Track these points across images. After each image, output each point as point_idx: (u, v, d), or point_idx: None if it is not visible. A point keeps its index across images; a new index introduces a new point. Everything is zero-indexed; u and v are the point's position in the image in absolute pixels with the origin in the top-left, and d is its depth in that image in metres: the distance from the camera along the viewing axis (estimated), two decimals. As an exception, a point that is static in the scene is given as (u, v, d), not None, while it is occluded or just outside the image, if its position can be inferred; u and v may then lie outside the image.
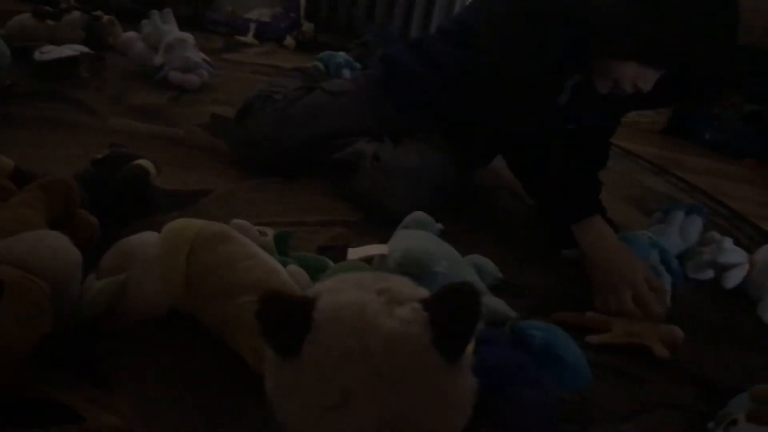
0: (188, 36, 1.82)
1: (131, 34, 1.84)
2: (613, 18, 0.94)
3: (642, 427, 0.79)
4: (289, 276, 0.76)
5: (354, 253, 0.81)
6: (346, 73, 1.98)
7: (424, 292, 0.46)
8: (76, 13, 1.82)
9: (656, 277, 1.06)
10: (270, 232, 0.90)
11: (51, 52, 1.60)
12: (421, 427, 0.41)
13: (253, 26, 2.71)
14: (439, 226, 0.89)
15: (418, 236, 0.83)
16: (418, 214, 0.88)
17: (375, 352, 0.41)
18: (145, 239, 0.77)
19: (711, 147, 2.43)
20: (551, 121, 1.18)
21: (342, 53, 2.12)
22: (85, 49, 1.68)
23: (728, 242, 1.21)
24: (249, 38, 2.67)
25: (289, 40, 2.71)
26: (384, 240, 0.88)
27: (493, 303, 0.75)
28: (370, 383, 0.41)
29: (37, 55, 1.58)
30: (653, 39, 0.92)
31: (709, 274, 1.22)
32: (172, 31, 1.81)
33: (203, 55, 1.86)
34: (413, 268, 0.74)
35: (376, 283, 0.46)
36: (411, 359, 0.41)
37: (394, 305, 0.43)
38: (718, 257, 1.20)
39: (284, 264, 0.80)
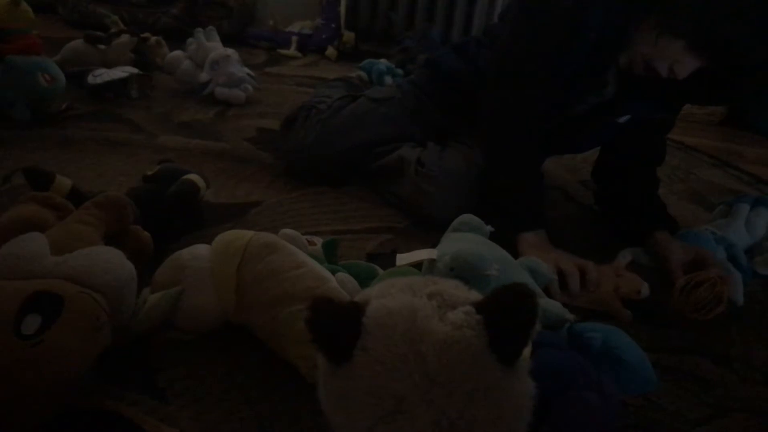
0: (232, 52, 1.85)
1: (177, 53, 1.89)
2: None
3: (714, 432, 0.75)
4: (339, 284, 0.76)
5: (403, 259, 0.80)
6: (388, 79, 1.98)
7: (476, 295, 0.44)
8: (125, 37, 1.87)
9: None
10: (318, 240, 0.90)
11: (103, 75, 1.66)
12: (478, 435, 0.40)
13: (295, 39, 2.75)
14: (489, 228, 0.87)
15: (467, 239, 0.81)
16: (467, 217, 0.86)
17: (428, 357, 0.40)
18: (197, 252, 0.78)
19: (775, 137, 2.31)
20: (601, 116, 1.14)
21: (383, 60, 2.12)
22: (134, 70, 1.74)
23: (798, 235, 1.15)
24: (291, 51, 2.70)
25: (330, 51, 2.73)
26: (432, 245, 0.86)
27: (548, 305, 0.72)
28: (424, 390, 0.39)
29: (90, 79, 1.64)
30: (714, 27, 0.87)
31: (779, 269, 1.15)
32: (216, 48, 1.85)
33: (247, 70, 1.89)
34: (464, 271, 0.72)
35: (426, 286, 0.44)
36: (465, 364, 0.40)
37: (446, 309, 0.42)
38: (788, 251, 1.14)
39: (333, 272, 0.79)
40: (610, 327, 0.69)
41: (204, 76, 1.80)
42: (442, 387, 0.40)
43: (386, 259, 0.94)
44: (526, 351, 0.59)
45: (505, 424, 0.41)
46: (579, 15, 0.99)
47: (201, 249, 0.79)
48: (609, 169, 1.27)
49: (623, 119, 1.15)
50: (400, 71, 2.09)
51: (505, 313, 0.41)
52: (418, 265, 0.82)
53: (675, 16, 0.90)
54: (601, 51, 1.01)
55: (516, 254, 0.94)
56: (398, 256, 0.81)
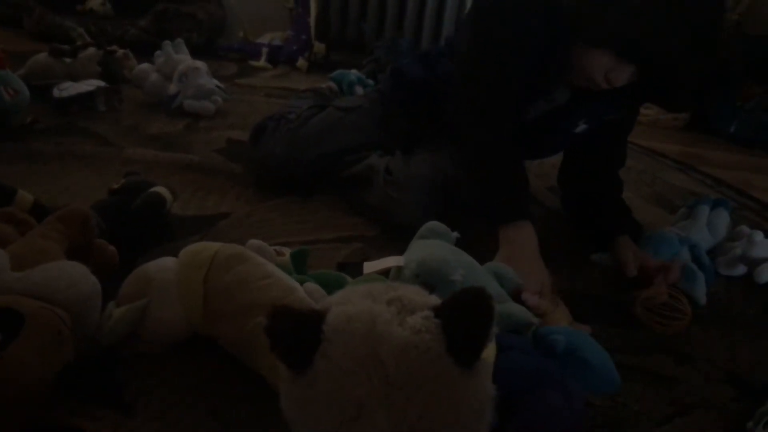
0: (201, 64, 1.85)
1: (145, 65, 1.88)
2: (587, 4, 0.94)
3: (678, 430, 0.76)
4: (307, 294, 0.76)
5: (370, 267, 0.80)
6: (359, 90, 1.99)
7: (435, 300, 0.45)
8: (91, 50, 1.85)
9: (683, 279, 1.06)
10: (287, 251, 0.90)
11: (69, 88, 1.64)
12: (438, 438, 0.40)
13: (265, 51, 2.74)
14: (455, 234, 0.88)
15: (433, 245, 0.82)
16: (433, 224, 0.87)
17: (387, 362, 0.40)
18: (163, 264, 0.78)
19: (736, 140, 2.37)
20: (556, 123, 1.16)
21: (354, 71, 2.13)
22: (101, 83, 1.72)
23: (759, 235, 1.18)
24: (262, 62, 2.70)
25: (301, 62, 2.73)
26: (402, 252, 0.87)
27: (514, 309, 0.73)
28: (384, 394, 0.40)
29: (55, 92, 1.62)
30: (624, 28, 0.91)
31: (741, 269, 1.18)
32: (184, 60, 1.84)
33: (216, 82, 1.88)
34: (429, 277, 0.72)
35: (386, 293, 0.45)
36: (424, 368, 0.40)
37: (406, 314, 0.43)
38: (750, 251, 1.17)
39: (302, 282, 0.79)
40: (573, 330, 0.70)
41: (173, 89, 1.79)
42: (401, 391, 0.40)
43: (356, 268, 0.94)
44: (491, 353, 0.60)
45: (464, 425, 0.42)
46: (522, 41, 1.03)
47: (167, 261, 0.79)
48: (572, 174, 1.29)
49: (580, 129, 1.17)
50: (370, 81, 2.10)
51: (462, 317, 0.41)
52: (386, 273, 0.82)
53: (598, 30, 0.94)
54: (545, 67, 1.05)
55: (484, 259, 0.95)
56: (365, 264, 0.81)
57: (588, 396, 0.74)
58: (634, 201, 1.45)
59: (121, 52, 1.95)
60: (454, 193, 1.17)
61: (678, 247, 1.13)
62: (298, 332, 0.41)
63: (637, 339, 0.94)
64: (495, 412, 0.57)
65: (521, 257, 0.97)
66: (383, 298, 0.44)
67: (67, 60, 1.79)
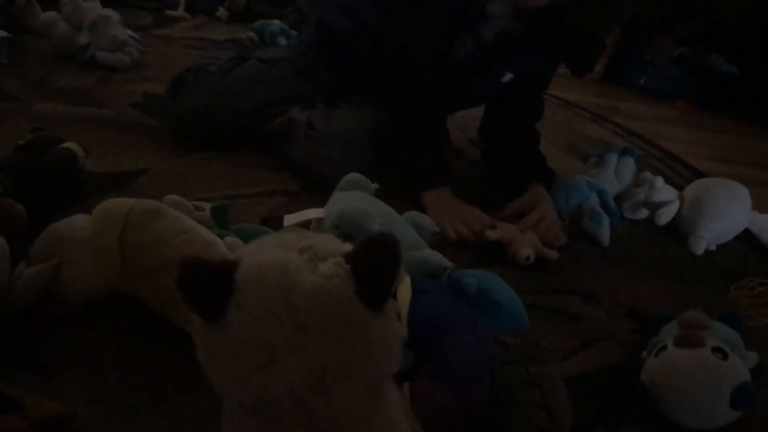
0: (113, 13, 1.75)
1: (51, 14, 1.76)
2: None
3: (582, 362, 0.83)
4: (227, 248, 0.76)
5: (290, 219, 0.81)
6: (282, 41, 1.94)
7: (347, 247, 0.46)
8: (-12, -4, 1.73)
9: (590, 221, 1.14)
10: (206, 206, 0.89)
11: (-35, 38, 1.53)
12: (349, 376, 0.42)
13: (183, -1, 2.62)
14: (375, 185, 0.89)
15: (353, 197, 0.83)
16: (353, 176, 0.89)
17: (298, 308, 0.42)
18: (75, 222, 0.76)
19: (646, 92, 2.49)
20: (482, 74, 1.19)
21: (276, 21, 2.07)
22: (2, 33, 1.60)
23: (659, 181, 1.26)
24: (179, 12, 2.58)
25: (221, 12, 2.63)
26: (324, 205, 0.88)
27: (428, 255, 0.76)
28: (296, 339, 0.41)
29: (-50, 43, 1.50)
30: None
31: (644, 213, 1.27)
32: (94, 8, 1.73)
33: (130, 32, 1.79)
34: (349, 227, 0.74)
35: (299, 242, 0.46)
36: (334, 311, 0.42)
37: (317, 261, 0.44)
38: (651, 196, 1.25)
39: (222, 237, 0.79)
40: (484, 272, 0.74)
41: (83, 39, 1.69)
42: (312, 335, 0.42)
43: (278, 222, 0.94)
44: (407, 297, 0.63)
45: (375, 365, 0.44)
46: None
47: (80, 219, 0.77)
48: (492, 127, 1.33)
49: (506, 78, 1.20)
50: (293, 32, 2.05)
51: (371, 261, 0.43)
52: (307, 225, 0.83)
53: None
54: None
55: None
56: (286, 216, 0.82)
57: (499, 335, 0.79)
58: (550, 151, 1.50)
59: (22, -1, 1.82)
60: (376, 146, 1.19)
61: (587, 194, 1.19)
62: (209, 283, 0.42)
63: (548, 281, 1.00)
64: (411, 352, 0.61)
65: (446, 209, 1.07)
66: (295, 247, 0.45)
67: (-39, 7, 1.66)
